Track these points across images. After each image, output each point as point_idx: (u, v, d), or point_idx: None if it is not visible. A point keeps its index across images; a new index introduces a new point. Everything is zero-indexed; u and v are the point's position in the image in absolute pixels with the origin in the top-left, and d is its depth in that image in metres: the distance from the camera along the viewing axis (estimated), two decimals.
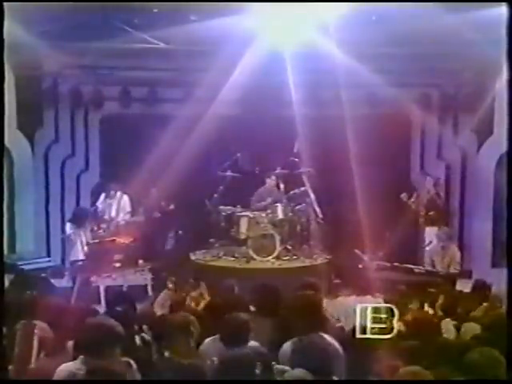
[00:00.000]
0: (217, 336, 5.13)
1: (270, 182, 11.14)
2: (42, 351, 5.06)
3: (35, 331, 4.92)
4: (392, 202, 11.03)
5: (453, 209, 12.18)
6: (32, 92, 11.05)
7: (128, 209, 11.10)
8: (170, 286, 8.33)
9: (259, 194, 11.18)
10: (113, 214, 10.97)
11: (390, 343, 4.61)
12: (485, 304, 7.09)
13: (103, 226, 10.62)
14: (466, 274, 10.37)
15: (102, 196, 11.09)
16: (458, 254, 10.26)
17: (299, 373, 4.15)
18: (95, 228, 10.48)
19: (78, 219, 10.18)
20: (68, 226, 10.20)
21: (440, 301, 7.07)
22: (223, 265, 10.43)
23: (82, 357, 4.31)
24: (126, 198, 11.07)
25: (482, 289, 7.67)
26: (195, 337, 5.01)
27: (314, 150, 10.67)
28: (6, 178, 9.64)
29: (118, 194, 11.03)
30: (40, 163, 11.72)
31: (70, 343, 4.90)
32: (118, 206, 11.01)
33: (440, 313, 6.87)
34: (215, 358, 4.50)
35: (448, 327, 6.12)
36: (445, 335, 5.75)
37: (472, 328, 5.97)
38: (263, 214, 10.76)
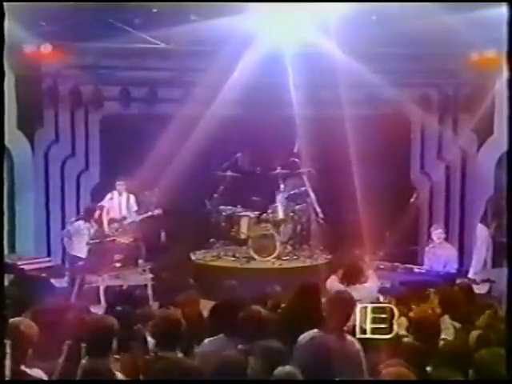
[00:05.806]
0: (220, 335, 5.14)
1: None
2: (41, 351, 5.05)
3: (34, 331, 4.90)
4: (392, 201, 11.01)
5: (453, 209, 12.20)
6: (32, 92, 11.05)
7: (135, 207, 11.12)
8: None
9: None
10: (124, 212, 11.00)
11: (390, 343, 4.62)
12: (484, 303, 7.07)
13: (115, 225, 10.65)
14: (466, 274, 10.38)
15: (110, 195, 11.07)
16: (454, 253, 10.26)
17: (289, 369, 4.14)
18: (107, 227, 10.55)
19: (87, 215, 10.26)
20: (80, 223, 10.26)
21: (439, 300, 7.05)
22: (223, 265, 10.44)
23: None
24: (132, 197, 11.11)
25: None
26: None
27: (314, 150, 10.68)
28: (6, 178, 9.63)
29: (125, 193, 11.06)
30: (40, 163, 11.72)
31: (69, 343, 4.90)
32: (127, 205, 11.05)
33: (439, 312, 6.86)
34: None
35: (447, 326, 6.11)
36: (444, 334, 5.74)
37: (472, 327, 5.97)
38: (263, 214, 10.77)
